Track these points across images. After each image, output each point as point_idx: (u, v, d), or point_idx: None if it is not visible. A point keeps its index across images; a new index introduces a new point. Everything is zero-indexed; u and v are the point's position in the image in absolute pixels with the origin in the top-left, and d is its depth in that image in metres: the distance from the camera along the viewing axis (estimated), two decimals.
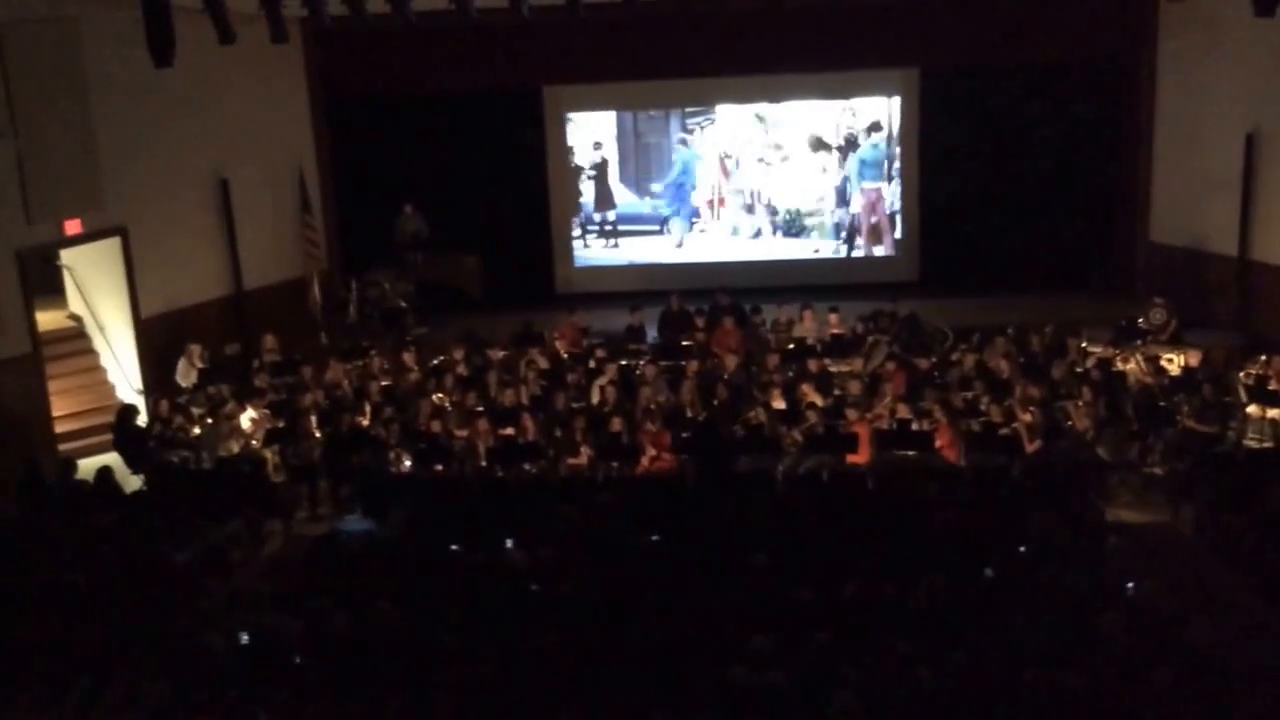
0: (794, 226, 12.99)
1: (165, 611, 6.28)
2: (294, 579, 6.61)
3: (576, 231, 13.24)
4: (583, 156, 13.03)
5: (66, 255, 10.24)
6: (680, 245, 13.12)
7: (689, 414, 8.74)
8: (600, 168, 13.12)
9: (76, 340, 10.39)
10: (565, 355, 10.15)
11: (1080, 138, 12.34)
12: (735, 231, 13.03)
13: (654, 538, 6.66)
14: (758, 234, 13.05)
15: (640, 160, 13.02)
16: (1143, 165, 12.01)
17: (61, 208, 9.38)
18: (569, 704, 4.85)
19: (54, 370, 9.70)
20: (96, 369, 10.32)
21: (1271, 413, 8.29)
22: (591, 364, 9.77)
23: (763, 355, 9.81)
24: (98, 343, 10.41)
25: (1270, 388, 8.44)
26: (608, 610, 5.59)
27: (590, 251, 13.40)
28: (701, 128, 12.87)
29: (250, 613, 5.84)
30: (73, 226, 9.55)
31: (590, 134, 13.02)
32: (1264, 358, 8.97)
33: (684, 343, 10.19)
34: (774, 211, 13.00)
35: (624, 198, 13.16)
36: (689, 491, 7.59)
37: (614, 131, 12.97)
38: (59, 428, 9.46)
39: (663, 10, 9.12)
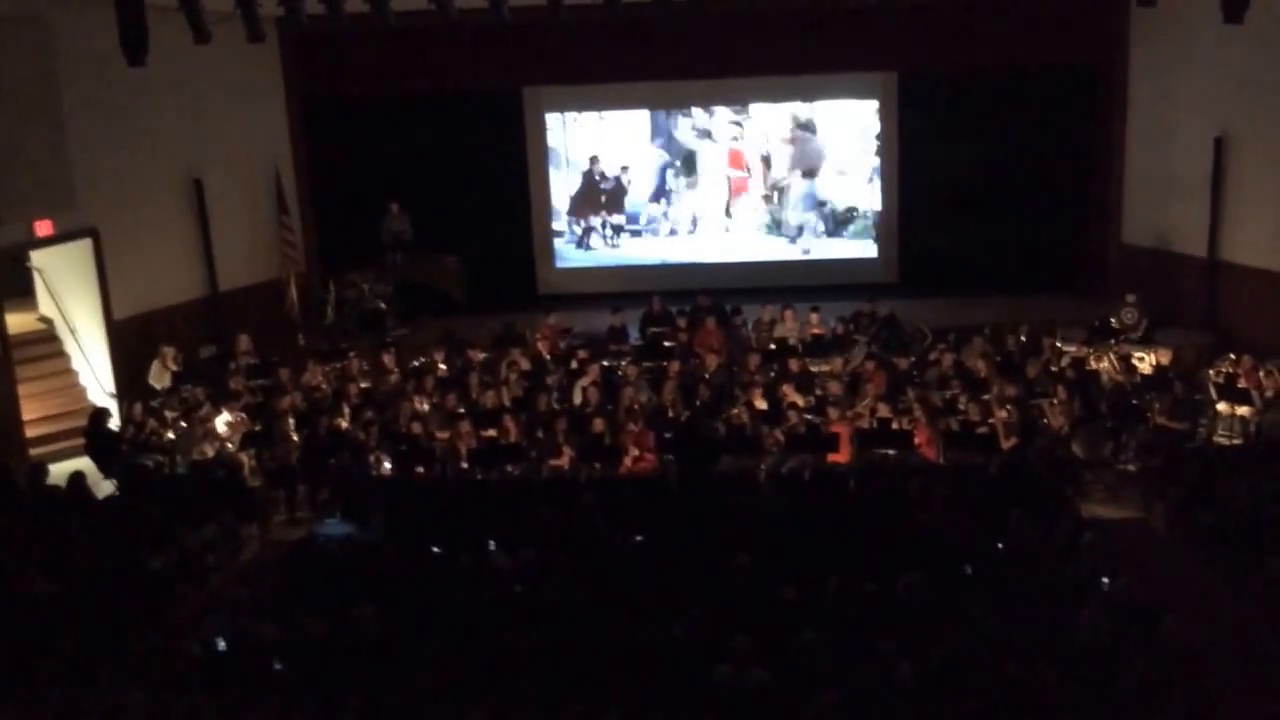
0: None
1: (141, 619, 6.18)
2: (272, 584, 6.53)
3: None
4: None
5: (37, 256, 10.08)
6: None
7: (671, 414, 8.76)
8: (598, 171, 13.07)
9: (47, 343, 10.23)
10: (547, 357, 10.13)
11: (1054, 141, 12.49)
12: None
13: (637, 538, 6.66)
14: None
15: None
16: (1115, 168, 12.18)
17: (32, 208, 9.23)
18: (553, 706, 4.83)
19: (24, 373, 9.55)
20: (68, 372, 10.17)
21: (1240, 410, 8.44)
22: (573, 365, 9.76)
23: (744, 355, 9.84)
24: (69, 345, 10.25)
25: (1239, 385, 8.59)
26: (591, 611, 5.58)
27: (572, 252, 13.37)
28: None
29: (228, 619, 5.77)
30: (43, 227, 9.40)
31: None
32: (1232, 356, 9.13)
33: (666, 343, 10.20)
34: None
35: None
36: (671, 492, 7.60)
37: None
38: (29, 432, 9.30)
39: (640, 13, 9.15)
